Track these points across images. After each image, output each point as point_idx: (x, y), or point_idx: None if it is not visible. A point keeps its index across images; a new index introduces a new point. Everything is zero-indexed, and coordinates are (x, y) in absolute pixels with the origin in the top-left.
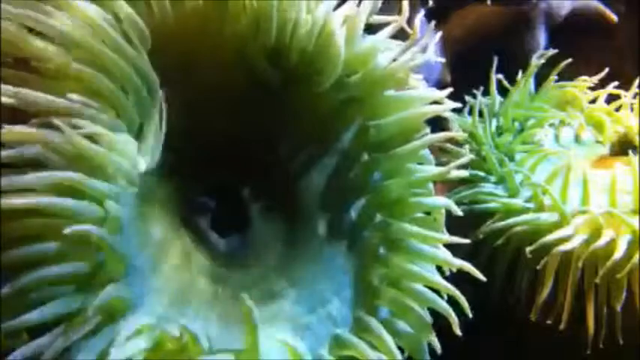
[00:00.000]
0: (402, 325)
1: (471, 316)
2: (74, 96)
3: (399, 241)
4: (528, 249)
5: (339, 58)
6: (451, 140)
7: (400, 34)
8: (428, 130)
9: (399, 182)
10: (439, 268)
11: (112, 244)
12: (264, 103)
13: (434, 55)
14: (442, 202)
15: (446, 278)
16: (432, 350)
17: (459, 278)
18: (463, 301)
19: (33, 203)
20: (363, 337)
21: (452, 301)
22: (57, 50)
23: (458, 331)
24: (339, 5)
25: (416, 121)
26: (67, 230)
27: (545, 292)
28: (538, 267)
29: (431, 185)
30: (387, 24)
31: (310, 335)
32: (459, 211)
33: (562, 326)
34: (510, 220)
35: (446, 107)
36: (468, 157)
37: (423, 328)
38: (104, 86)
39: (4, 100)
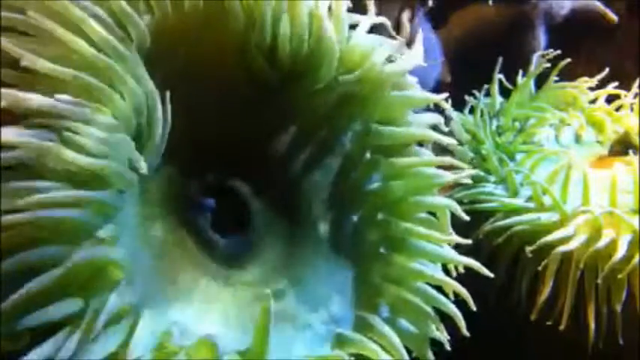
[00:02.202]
0: (405, 324)
1: (474, 309)
2: (66, 97)
3: (401, 240)
4: (529, 249)
5: (333, 53)
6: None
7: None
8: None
9: (402, 184)
10: (445, 270)
11: (113, 255)
12: (264, 102)
13: (427, 56)
14: (444, 202)
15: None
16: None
17: (458, 278)
18: (467, 296)
19: (32, 217)
20: (365, 335)
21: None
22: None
23: (465, 332)
24: None
25: (418, 136)
26: (69, 262)
27: (546, 292)
28: (539, 268)
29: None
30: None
31: (312, 334)
32: (463, 215)
33: (562, 327)
34: (511, 220)
35: (450, 141)
36: (475, 171)
37: (426, 327)
38: (99, 88)
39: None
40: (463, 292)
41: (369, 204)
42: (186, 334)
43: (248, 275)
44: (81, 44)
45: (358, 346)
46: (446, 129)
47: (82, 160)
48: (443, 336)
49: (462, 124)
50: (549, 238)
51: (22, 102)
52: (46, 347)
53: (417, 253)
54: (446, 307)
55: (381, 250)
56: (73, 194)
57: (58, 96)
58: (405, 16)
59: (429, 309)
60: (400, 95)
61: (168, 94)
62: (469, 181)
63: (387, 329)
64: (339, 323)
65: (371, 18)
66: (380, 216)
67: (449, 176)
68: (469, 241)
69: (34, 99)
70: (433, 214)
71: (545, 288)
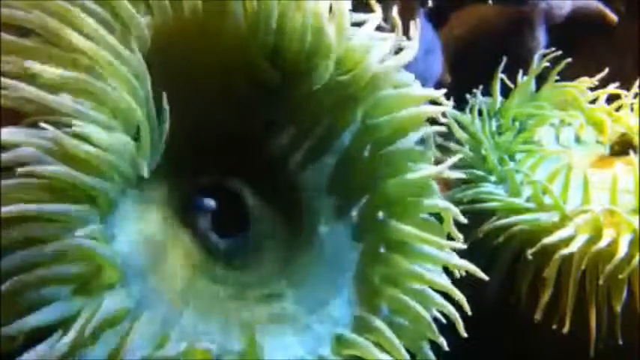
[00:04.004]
0: (404, 325)
1: (470, 313)
2: (68, 97)
3: (400, 242)
4: (530, 251)
5: (332, 54)
6: (452, 138)
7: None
8: (429, 127)
9: (398, 181)
10: (446, 269)
11: (106, 253)
12: (264, 102)
13: (427, 56)
14: (443, 204)
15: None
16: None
17: (459, 278)
18: (463, 300)
19: (30, 210)
20: (365, 336)
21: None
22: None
23: (462, 332)
24: None
25: (415, 119)
26: (57, 245)
27: (548, 294)
28: (544, 274)
29: (435, 186)
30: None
31: (311, 335)
32: (461, 218)
33: (565, 329)
34: (511, 220)
35: (444, 108)
36: (461, 155)
37: (424, 328)
38: (99, 88)
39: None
40: (459, 295)
41: (368, 204)
42: (184, 337)
43: (247, 276)
44: (82, 45)
45: (357, 348)
46: (444, 119)
47: (89, 149)
48: (439, 339)
49: (462, 123)
50: (550, 239)
51: (26, 100)
52: (40, 349)
53: (415, 255)
54: (445, 308)
55: (380, 251)
56: (69, 172)
57: (61, 95)
58: (398, 12)
59: (426, 313)
60: (399, 93)
61: (164, 95)
62: (462, 175)
63: (387, 330)
64: (338, 324)
65: (375, 17)
66: (379, 216)
67: (439, 168)
68: (464, 246)
69: (38, 98)
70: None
71: (547, 289)
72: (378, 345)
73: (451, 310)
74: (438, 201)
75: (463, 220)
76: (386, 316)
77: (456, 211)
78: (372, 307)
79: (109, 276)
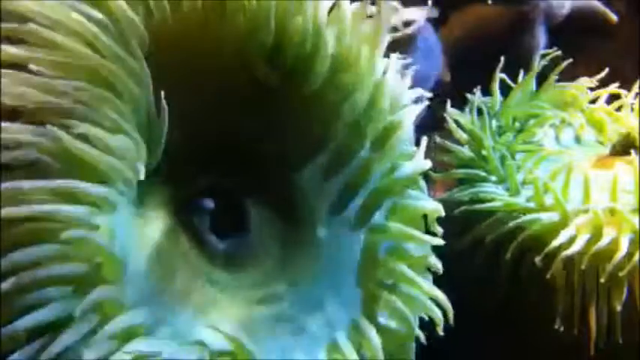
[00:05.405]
0: (397, 328)
1: (453, 324)
2: (70, 100)
3: (395, 244)
4: (538, 258)
5: (331, 55)
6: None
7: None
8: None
9: (391, 180)
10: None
11: (109, 248)
12: (263, 103)
13: (427, 56)
14: (432, 205)
15: (449, 277)
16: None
17: (460, 278)
18: (449, 308)
19: (31, 211)
20: (358, 340)
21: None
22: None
23: (440, 332)
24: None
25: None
26: (63, 235)
27: (561, 298)
28: (548, 276)
29: (424, 185)
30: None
31: (308, 337)
32: (442, 212)
33: (575, 330)
34: (511, 219)
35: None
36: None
37: (409, 334)
38: (100, 91)
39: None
40: (445, 303)
41: (364, 205)
42: (178, 336)
43: (246, 277)
44: (81, 48)
45: (348, 355)
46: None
47: (88, 151)
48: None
49: (462, 123)
50: (553, 244)
51: (29, 99)
52: (35, 346)
53: (408, 257)
54: (435, 314)
55: (377, 252)
56: (73, 185)
57: (63, 99)
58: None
59: (413, 319)
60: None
61: (163, 95)
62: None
63: (375, 340)
64: (335, 326)
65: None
66: (376, 217)
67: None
68: (440, 268)
69: (41, 98)
70: None
71: (558, 294)
72: (365, 350)
73: (438, 314)
74: (427, 202)
75: (442, 213)
76: (381, 319)
77: (442, 212)
78: (369, 309)
79: (108, 275)
